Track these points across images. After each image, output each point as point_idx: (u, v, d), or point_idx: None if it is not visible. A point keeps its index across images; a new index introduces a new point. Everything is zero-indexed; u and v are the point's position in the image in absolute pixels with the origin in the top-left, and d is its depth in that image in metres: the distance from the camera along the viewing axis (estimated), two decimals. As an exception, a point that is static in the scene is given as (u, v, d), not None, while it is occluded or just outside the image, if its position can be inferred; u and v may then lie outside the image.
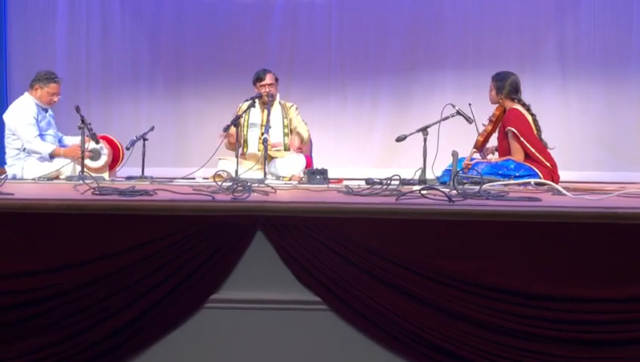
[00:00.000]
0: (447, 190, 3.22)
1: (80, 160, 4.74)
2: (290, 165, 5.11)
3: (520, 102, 4.87)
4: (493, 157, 4.89)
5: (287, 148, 5.25)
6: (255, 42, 7.08)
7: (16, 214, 2.75)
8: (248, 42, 7.07)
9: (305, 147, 5.36)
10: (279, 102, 5.30)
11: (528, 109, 4.86)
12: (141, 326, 2.73)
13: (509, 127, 4.75)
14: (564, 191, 3.50)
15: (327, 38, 7.12)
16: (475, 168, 4.48)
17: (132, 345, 2.74)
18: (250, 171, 4.76)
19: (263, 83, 5.18)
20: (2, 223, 2.72)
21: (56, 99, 5.14)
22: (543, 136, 4.85)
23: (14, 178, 4.92)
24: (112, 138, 5.27)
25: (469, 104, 4.76)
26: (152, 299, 2.71)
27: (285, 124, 5.26)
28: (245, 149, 5.16)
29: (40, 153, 4.97)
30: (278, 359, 2.76)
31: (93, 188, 3.22)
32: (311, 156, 5.49)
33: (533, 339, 2.61)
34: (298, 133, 5.25)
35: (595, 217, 2.67)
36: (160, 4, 7.17)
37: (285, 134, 5.25)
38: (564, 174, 5.01)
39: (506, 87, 4.85)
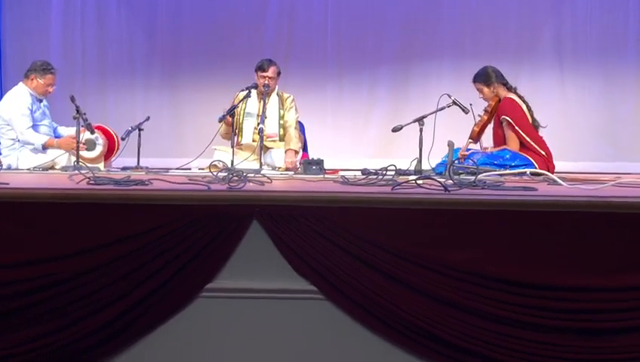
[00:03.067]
0: (443, 180, 3.22)
1: (74, 151, 4.73)
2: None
3: (507, 86, 4.87)
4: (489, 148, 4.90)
5: (282, 139, 5.23)
6: (251, 32, 7.05)
7: (11, 204, 2.74)
8: (245, 32, 7.04)
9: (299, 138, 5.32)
10: (277, 93, 5.27)
11: (515, 91, 4.87)
12: (137, 315, 2.73)
13: (503, 116, 4.76)
14: (559, 181, 3.50)
15: (323, 29, 7.10)
16: (471, 158, 4.48)
17: (129, 333, 2.75)
18: (245, 161, 4.75)
19: (264, 74, 5.13)
20: (-2, 213, 2.72)
21: (51, 90, 5.13)
22: (536, 117, 4.84)
23: (9, 168, 4.90)
24: (108, 128, 5.26)
25: (470, 104, 4.75)
26: (148, 288, 2.72)
27: (281, 115, 5.24)
28: (240, 139, 5.14)
29: (33, 144, 4.95)
30: (273, 348, 2.77)
31: (89, 178, 3.22)
32: (306, 152, 5.48)
33: (529, 328, 2.62)
34: (292, 150, 5.05)
35: (590, 206, 2.68)
36: (156, -7, 7.13)
37: (281, 125, 5.23)
38: (561, 165, 5.01)
39: (492, 75, 4.86)
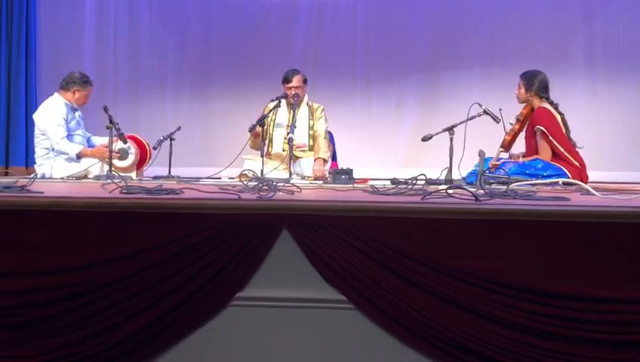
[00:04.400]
0: (474, 189, 3.19)
1: (107, 159, 4.80)
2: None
3: (548, 100, 4.83)
4: (522, 158, 4.85)
5: (311, 149, 5.25)
6: (281, 43, 7.10)
7: (45, 212, 2.78)
8: (274, 43, 7.09)
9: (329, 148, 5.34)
10: (307, 103, 5.29)
11: (556, 108, 4.81)
12: (167, 323, 2.75)
13: (537, 126, 4.70)
14: (592, 191, 3.45)
15: (352, 39, 7.12)
16: (503, 168, 4.44)
17: (158, 342, 2.76)
18: (275, 171, 4.77)
19: (290, 85, 5.17)
20: (32, 221, 2.76)
21: (89, 100, 5.27)
22: (572, 136, 4.79)
23: (43, 177, 4.99)
24: (140, 138, 5.33)
25: (500, 109, 4.72)
26: (178, 297, 2.73)
27: (311, 125, 5.26)
28: (270, 148, 5.17)
29: (67, 154, 5.04)
30: (303, 357, 2.76)
31: (121, 187, 3.25)
32: (335, 161, 5.48)
33: (558, 339, 2.58)
34: (321, 159, 5.09)
35: (625, 217, 2.63)
36: (187, 6, 7.23)
37: (310, 135, 5.24)
38: (593, 175, 4.94)
39: (536, 83, 4.81)
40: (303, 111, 5.24)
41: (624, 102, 6.85)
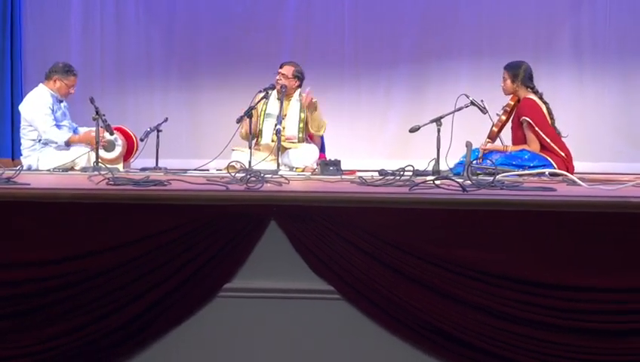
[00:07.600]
0: (461, 180, 3.21)
1: (94, 150, 4.78)
2: (304, 156, 5.11)
3: (534, 90, 4.85)
4: (509, 147, 4.87)
5: (301, 141, 5.24)
6: (269, 33, 7.07)
7: (32, 203, 2.77)
8: (262, 33, 7.06)
9: (317, 140, 5.35)
10: (300, 94, 5.28)
11: (541, 98, 4.84)
12: (157, 314, 2.75)
13: (523, 117, 4.73)
14: (578, 182, 3.48)
15: (340, 29, 7.10)
16: (489, 158, 4.46)
17: (148, 332, 2.76)
18: (263, 162, 4.77)
19: (279, 70, 5.19)
20: (19, 212, 2.75)
21: (73, 91, 5.22)
22: (556, 125, 4.82)
23: (29, 169, 4.96)
24: (127, 129, 5.30)
25: (481, 100, 4.73)
26: (166, 288, 2.73)
27: (302, 117, 5.25)
28: (260, 138, 5.17)
29: (57, 142, 5.02)
30: (290, 348, 2.77)
31: (108, 179, 3.24)
32: (324, 153, 5.49)
33: (547, 329, 2.60)
34: (313, 121, 5.17)
35: (610, 207, 2.66)
36: (174, -5, 7.18)
37: (301, 128, 5.24)
38: (579, 165, 4.97)
39: (521, 73, 4.84)
40: (294, 103, 5.24)
41: (610, 93, 6.88)
